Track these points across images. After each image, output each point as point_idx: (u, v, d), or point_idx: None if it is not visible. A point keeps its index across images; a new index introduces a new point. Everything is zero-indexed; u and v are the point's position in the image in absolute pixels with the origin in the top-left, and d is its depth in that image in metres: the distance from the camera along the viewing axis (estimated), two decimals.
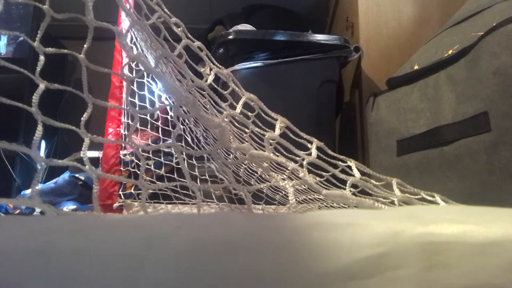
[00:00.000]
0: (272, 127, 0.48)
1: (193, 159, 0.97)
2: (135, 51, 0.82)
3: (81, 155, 0.33)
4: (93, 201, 0.29)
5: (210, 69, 0.51)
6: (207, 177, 0.94)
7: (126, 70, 0.99)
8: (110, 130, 0.99)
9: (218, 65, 0.54)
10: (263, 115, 0.51)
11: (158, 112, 1.17)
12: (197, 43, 0.51)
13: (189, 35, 0.51)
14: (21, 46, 1.64)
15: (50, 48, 0.36)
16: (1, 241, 0.19)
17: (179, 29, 0.52)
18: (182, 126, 0.90)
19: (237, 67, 1.10)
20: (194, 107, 0.32)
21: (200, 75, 0.53)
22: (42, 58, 0.34)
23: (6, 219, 0.26)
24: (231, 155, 0.71)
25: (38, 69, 0.34)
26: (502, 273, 0.17)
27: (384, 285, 0.17)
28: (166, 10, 0.50)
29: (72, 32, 1.72)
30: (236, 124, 0.58)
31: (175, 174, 1.01)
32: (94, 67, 0.36)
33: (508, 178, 0.58)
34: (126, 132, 0.98)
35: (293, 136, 0.50)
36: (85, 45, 0.36)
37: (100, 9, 0.48)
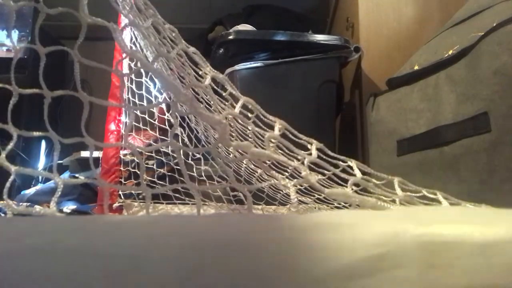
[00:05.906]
0: (271, 129, 0.48)
1: (190, 160, 0.97)
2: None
3: (81, 155, 0.33)
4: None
5: (206, 73, 0.51)
6: (204, 177, 0.94)
7: (124, 67, 0.99)
8: (110, 130, 0.99)
9: (213, 69, 0.54)
10: (261, 117, 0.51)
11: (156, 112, 1.16)
12: (192, 49, 0.51)
13: (183, 41, 0.51)
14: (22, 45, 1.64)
15: (48, 47, 0.35)
16: (3, 241, 0.19)
17: (173, 34, 0.52)
18: (181, 126, 0.90)
19: (237, 67, 1.10)
20: (193, 104, 0.32)
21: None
22: (43, 57, 0.34)
23: (8, 219, 0.26)
24: (231, 154, 0.71)
25: (41, 69, 0.34)
26: (503, 274, 0.17)
27: (384, 285, 0.17)
28: (159, 17, 0.50)
29: (73, 33, 1.71)
30: (241, 122, 0.58)
31: (176, 174, 1.01)
32: (87, 62, 0.35)
33: (508, 178, 0.58)
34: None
35: (292, 137, 0.50)
36: (77, 41, 0.35)
37: (105, 9, 0.48)
